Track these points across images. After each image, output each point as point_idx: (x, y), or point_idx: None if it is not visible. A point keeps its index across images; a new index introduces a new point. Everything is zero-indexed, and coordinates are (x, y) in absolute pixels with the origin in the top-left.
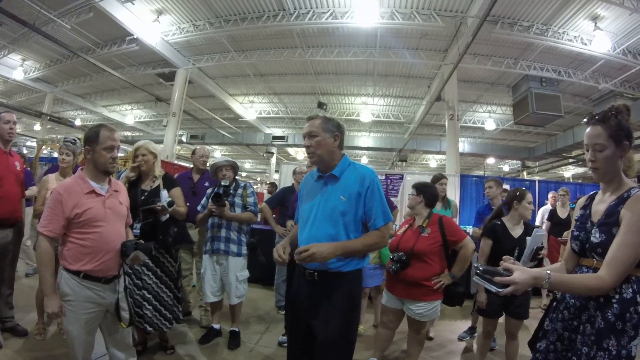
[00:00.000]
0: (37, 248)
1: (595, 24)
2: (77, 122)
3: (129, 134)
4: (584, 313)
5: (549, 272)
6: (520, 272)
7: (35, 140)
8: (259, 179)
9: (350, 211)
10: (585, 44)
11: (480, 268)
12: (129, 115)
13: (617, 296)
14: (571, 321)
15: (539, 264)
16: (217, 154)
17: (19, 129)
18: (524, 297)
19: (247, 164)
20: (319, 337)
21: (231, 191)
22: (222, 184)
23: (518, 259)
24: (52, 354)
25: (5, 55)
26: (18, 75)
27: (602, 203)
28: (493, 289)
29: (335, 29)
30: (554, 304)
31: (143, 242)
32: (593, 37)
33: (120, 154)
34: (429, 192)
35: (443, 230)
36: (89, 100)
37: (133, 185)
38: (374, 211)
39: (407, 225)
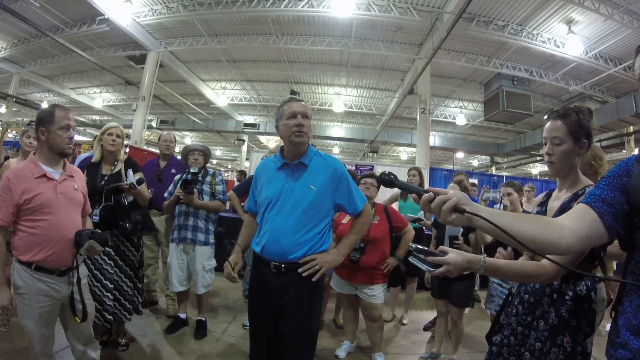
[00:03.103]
0: None
1: (569, 27)
2: (44, 105)
3: (97, 117)
4: (537, 309)
5: (484, 257)
6: (455, 254)
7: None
8: (229, 166)
9: (320, 200)
10: (558, 47)
11: (413, 247)
12: (98, 98)
13: (570, 293)
14: (525, 316)
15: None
16: (188, 140)
17: None
18: (463, 285)
19: (218, 151)
20: (287, 329)
21: (200, 178)
22: (191, 170)
23: (439, 240)
24: (16, 345)
25: None
26: None
27: (557, 200)
28: (424, 267)
29: (311, 17)
30: (510, 298)
31: (99, 231)
32: (566, 40)
33: (87, 138)
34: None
35: (389, 218)
36: (57, 82)
37: (91, 170)
38: (352, 198)
39: None
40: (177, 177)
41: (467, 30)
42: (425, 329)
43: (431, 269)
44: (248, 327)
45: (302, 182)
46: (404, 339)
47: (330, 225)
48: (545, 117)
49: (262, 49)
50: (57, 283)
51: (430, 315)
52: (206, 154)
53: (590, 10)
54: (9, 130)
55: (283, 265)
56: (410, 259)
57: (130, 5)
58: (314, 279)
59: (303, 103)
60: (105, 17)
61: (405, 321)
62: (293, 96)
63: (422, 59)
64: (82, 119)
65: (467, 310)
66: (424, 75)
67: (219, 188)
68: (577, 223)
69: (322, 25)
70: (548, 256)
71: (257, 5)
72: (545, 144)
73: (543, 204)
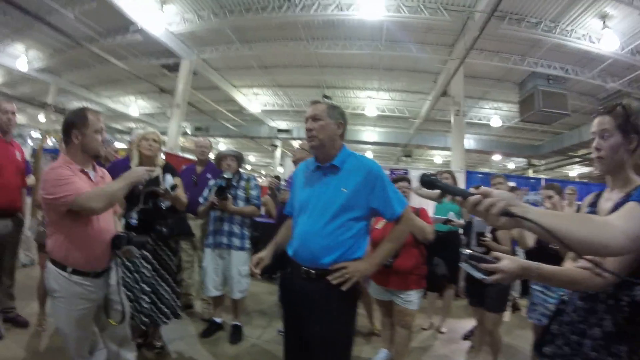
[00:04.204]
0: (86, 201)
1: (604, 22)
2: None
3: (133, 125)
4: (592, 316)
5: (538, 263)
6: (509, 261)
7: (39, 131)
8: (263, 172)
9: (352, 203)
10: (593, 42)
11: (466, 252)
12: (133, 106)
13: (626, 298)
14: (579, 324)
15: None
16: (222, 146)
17: (23, 119)
18: (497, 288)
19: (252, 157)
20: (316, 337)
21: (234, 184)
22: (225, 176)
23: (468, 245)
24: (53, 345)
25: (8, 45)
26: (21, 65)
27: (608, 201)
28: (477, 275)
29: (341, 21)
30: (562, 306)
31: (136, 235)
32: (601, 35)
33: (122, 145)
34: None
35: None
36: (93, 91)
37: None
38: (389, 202)
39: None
40: (211, 182)
41: (499, 28)
42: (464, 337)
43: (485, 277)
44: (283, 333)
45: (333, 185)
46: (442, 347)
47: (366, 231)
48: (593, 115)
49: (293, 54)
50: (94, 285)
51: (469, 323)
52: (239, 159)
53: (623, 3)
54: (48, 138)
55: (313, 271)
56: (462, 265)
57: (162, 15)
58: (343, 288)
59: (315, 105)
60: (139, 27)
61: (443, 329)
62: (313, 100)
63: (454, 59)
64: (119, 127)
65: (506, 318)
66: (457, 76)
67: (254, 193)
68: (627, 223)
69: (352, 28)
70: (595, 259)
71: (286, 11)
72: (594, 141)
73: (593, 205)
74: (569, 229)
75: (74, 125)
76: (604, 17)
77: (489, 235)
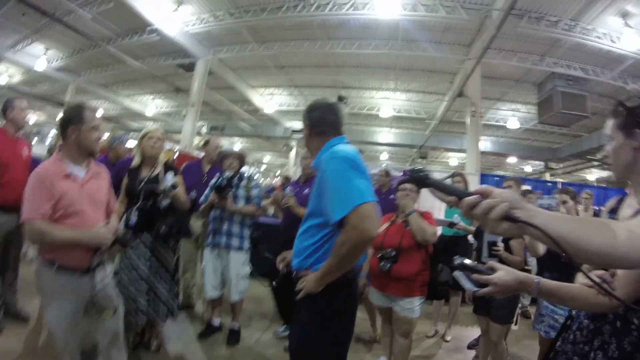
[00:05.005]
0: (39, 235)
1: (625, 20)
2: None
3: (150, 124)
4: (597, 337)
5: (538, 277)
6: (504, 273)
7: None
8: (278, 172)
9: (313, 207)
10: (614, 42)
11: (458, 261)
12: (151, 105)
13: (636, 321)
14: (582, 345)
15: None
16: (238, 146)
17: (42, 117)
18: (504, 300)
19: (267, 157)
20: (289, 341)
21: (236, 183)
22: (225, 175)
23: (479, 252)
24: (51, 341)
25: (28, 45)
26: (41, 64)
27: (629, 207)
28: (468, 286)
29: (357, 20)
30: (568, 322)
31: (121, 233)
32: (622, 34)
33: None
34: None
35: None
36: (111, 90)
37: (132, 174)
38: (328, 202)
39: (389, 222)
40: (212, 181)
41: (518, 27)
42: (470, 347)
43: (475, 288)
44: (279, 336)
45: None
46: (447, 356)
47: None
48: None
49: (308, 53)
50: (80, 282)
51: (475, 332)
52: (241, 159)
53: None
54: None
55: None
56: (454, 274)
57: (178, 15)
58: (297, 298)
59: None
60: (155, 27)
61: (448, 338)
62: None
63: (471, 59)
64: (136, 125)
65: (515, 327)
66: (474, 76)
67: (254, 192)
68: None
69: (368, 28)
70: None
71: (302, 11)
72: None
73: (614, 211)
74: (583, 238)
75: (71, 121)
76: (624, 15)
77: (501, 245)
